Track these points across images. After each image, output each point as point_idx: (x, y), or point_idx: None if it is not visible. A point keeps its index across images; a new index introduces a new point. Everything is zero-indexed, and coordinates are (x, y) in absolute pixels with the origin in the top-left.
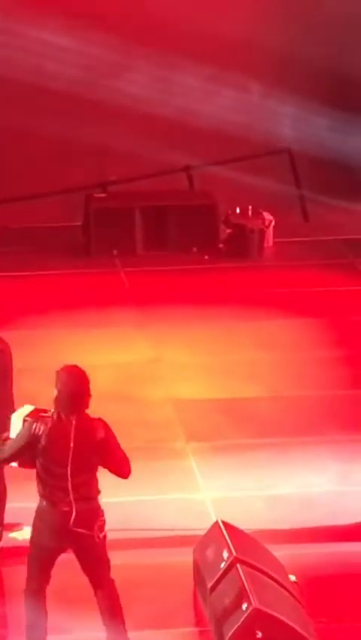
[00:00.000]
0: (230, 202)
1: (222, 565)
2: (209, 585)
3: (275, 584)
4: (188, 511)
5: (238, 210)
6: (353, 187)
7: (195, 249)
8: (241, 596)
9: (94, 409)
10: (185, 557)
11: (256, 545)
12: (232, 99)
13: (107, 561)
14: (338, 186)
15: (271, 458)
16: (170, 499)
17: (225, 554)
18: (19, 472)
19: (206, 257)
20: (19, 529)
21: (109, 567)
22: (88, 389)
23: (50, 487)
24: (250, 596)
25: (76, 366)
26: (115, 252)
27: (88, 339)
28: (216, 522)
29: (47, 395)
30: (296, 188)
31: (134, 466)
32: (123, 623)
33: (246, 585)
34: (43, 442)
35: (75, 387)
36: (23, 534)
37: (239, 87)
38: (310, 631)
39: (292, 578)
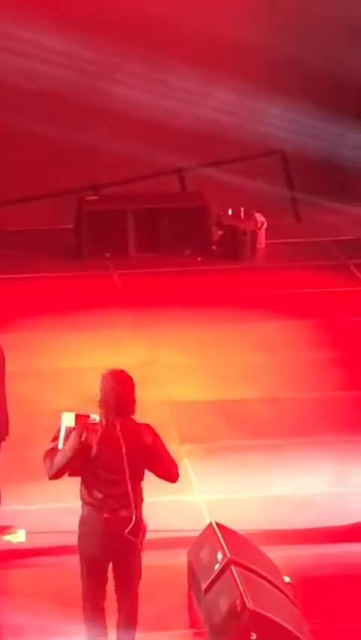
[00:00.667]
0: (222, 204)
1: (217, 566)
2: (203, 587)
3: (269, 585)
4: (182, 512)
5: (230, 212)
6: (345, 188)
7: (187, 251)
8: (236, 597)
9: (88, 411)
10: (179, 559)
11: (250, 547)
12: (224, 101)
13: (140, 572)
14: (330, 187)
15: (266, 460)
16: (164, 500)
17: (219, 556)
18: (10, 474)
19: (199, 259)
20: (13, 532)
21: (140, 577)
22: (134, 394)
23: (102, 494)
24: (245, 597)
25: (123, 371)
26: (108, 254)
27: (81, 341)
28: (211, 524)
29: (39, 397)
30: (288, 190)
31: None
32: (135, 630)
33: (240, 586)
34: (94, 450)
35: (123, 391)
36: (17, 537)
37: (231, 89)
38: (305, 632)
39: (287, 579)
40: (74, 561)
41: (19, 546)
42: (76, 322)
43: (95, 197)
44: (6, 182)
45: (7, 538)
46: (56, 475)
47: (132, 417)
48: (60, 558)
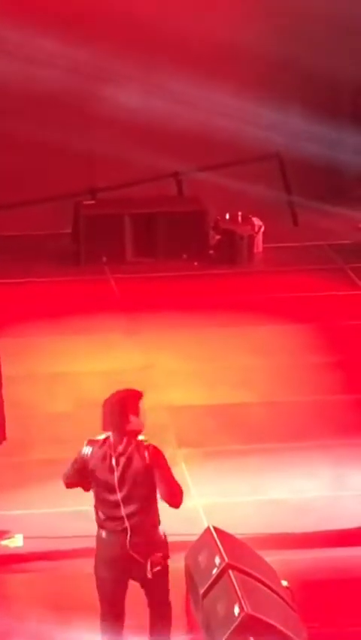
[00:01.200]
0: (219, 208)
1: (215, 571)
2: (201, 591)
3: (267, 589)
4: (180, 517)
5: (227, 216)
6: (342, 192)
7: (184, 256)
8: (233, 601)
9: (84, 417)
10: (177, 563)
11: (247, 551)
12: (220, 104)
13: (166, 588)
14: (327, 191)
15: (263, 464)
16: (161, 505)
17: (217, 560)
18: (7, 479)
19: (196, 263)
20: (10, 537)
21: (167, 592)
22: (125, 408)
23: (104, 515)
24: (243, 601)
25: (118, 391)
26: (104, 258)
27: (78, 346)
28: (208, 528)
29: (36, 401)
30: (286, 194)
31: None
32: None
33: (238, 591)
34: (90, 466)
35: (113, 410)
36: (14, 542)
37: (228, 92)
38: (303, 636)
39: (285, 583)
40: (71, 566)
41: (16, 551)
42: (73, 326)
43: (92, 202)
44: (2, 186)
45: (4, 542)
46: (65, 484)
47: (138, 437)
48: (57, 563)
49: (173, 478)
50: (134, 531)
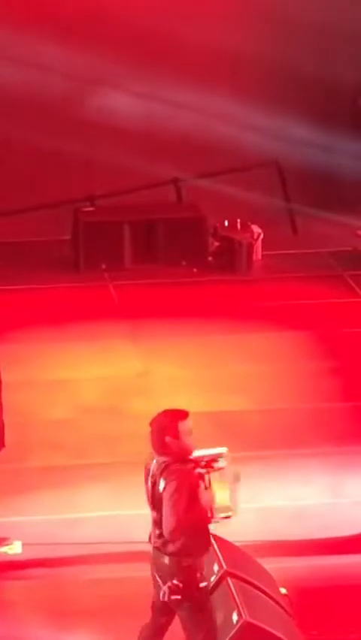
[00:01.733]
0: (218, 215)
1: (213, 578)
2: None
3: (266, 596)
4: None
5: (226, 223)
6: (341, 199)
7: (183, 263)
8: (232, 609)
9: (83, 424)
10: None
11: (246, 558)
12: (219, 111)
13: (191, 628)
14: (326, 199)
15: (261, 471)
16: None
17: (215, 567)
18: (6, 485)
19: (195, 270)
20: (9, 544)
21: (200, 628)
22: (162, 431)
23: (151, 531)
24: (241, 609)
25: (160, 413)
26: (104, 265)
27: (77, 352)
28: None
29: (35, 408)
30: (285, 201)
31: (124, 479)
32: None
33: (236, 598)
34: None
35: (150, 426)
36: (13, 549)
37: (227, 100)
38: None
39: (283, 590)
40: (70, 573)
41: (15, 558)
42: (72, 333)
43: (91, 209)
44: (1, 193)
45: (3, 549)
46: None
47: (180, 460)
48: (56, 570)
49: (174, 511)
50: (159, 552)
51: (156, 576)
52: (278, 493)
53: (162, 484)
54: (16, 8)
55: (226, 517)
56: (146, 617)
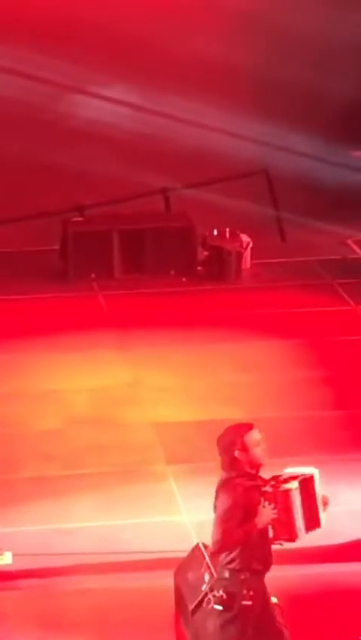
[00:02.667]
0: (207, 224)
1: (204, 587)
2: (190, 607)
3: None
4: (169, 533)
5: (215, 232)
6: (330, 208)
7: (172, 272)
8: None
9: (72, 434)
10: (166, 580)
11: None
12: (208, 121)
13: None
14: (314, 207)
15: None
16: (150, 521)
17: (206, 577)
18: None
19: (184, 279)
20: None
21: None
22: (229, 446)
23: None
24: None
25: (232, 425)
26: (93, 275)
27: (67, 363)
28: (198, 544)
29: (24, 419)
30: (273, 210)
31: (115, 490)
32: None
33: None
34: None
35: (218, 440)
36: (3, 559)
37: (216, 109)
38: None
39: (274, 599)
40: (60, 583)
41: (5, 568)
42: (61, 343)
43: (80, 219)
44: None
45: None
46: None
47: (243, 475)
48: (47, 580)
49: (220, 526)
50: (216, 563)
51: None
52: None
53: (219, 498)
54: (5, 19)
55: (289, 540)
56: (136, 626)
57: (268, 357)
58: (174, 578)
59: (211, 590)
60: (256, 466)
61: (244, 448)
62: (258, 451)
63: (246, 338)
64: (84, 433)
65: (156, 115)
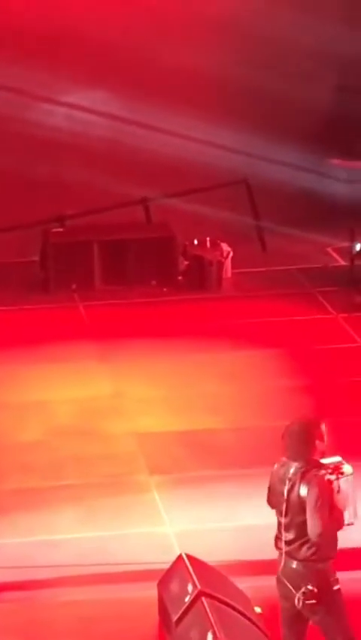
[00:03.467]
0: (188, 234)
1: (187, 598)
2: (174, 619)
3: (241, 616)
4: (152, 544)
5: (196, 242)
6: (310, 217)
7: (153, 282)
8: (207, 629)
9: (54, 445)
10: (149, 591)
11: (220, 578)
12: (187, 131)
13: (335, 629)
14: (295, 216)
15: (235, 490)
16: (134, 533)
17: (189, 588)
18: None
19: (165, 289)
20: None
21: (338, 630)
22: (309, 437)
23: (277, 533)
24: (216, 629)
25: (308, 416)
26: (74, 286)
27: (48, 374)
28: (180, 555)
29: (6, 430)
30: (253, 219)
31: (98, 501)
32: None
33: (211, 618)
34: (270, 483)
35: (294, 431)
36: None
37: (195, 119)
38: None
39: (258, 609)
40: (44, 595)
41: None
42: (42, 354)
43: (61, 229)
44: None
45: None
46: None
47: (316, 467)
48: (30, 593)
49: (319, 513)
50: (290, 558)
51: (287, 584)
52: (253, 511)
53: (303, 490)
54: None
55: (350, 524)
56: (119, 638)
57: (250, 367)
58: (158, 589)
59: (296, 588)
60: (322, 455)
61: (322, 438)
62: (325, 442)
63: (227, 347)
64: (66, 444)
65: (135, 125)
